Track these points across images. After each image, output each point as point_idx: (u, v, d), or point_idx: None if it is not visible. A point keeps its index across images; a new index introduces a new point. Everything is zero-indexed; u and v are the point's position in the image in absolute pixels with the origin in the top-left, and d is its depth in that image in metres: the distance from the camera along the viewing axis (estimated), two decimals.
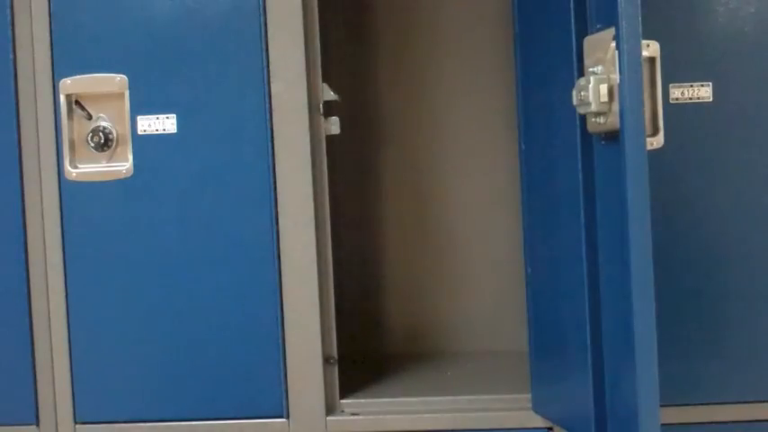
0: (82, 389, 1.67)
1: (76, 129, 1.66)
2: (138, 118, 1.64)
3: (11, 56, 1.65)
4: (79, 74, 1.64)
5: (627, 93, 1.16)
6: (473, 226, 2.26)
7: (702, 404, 1.62)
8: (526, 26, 1.67)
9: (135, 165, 1.65)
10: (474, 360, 2.12)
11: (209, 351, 1.65)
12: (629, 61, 1.15)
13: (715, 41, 1.59)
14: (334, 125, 1.73)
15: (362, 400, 1.73)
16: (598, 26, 1.28)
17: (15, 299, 1.67)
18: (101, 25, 1.64)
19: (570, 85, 1.33)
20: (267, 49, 1.62)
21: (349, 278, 2.18)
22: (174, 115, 1.64)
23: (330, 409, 1.69)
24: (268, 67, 1.62)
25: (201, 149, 1.64)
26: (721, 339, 1.60)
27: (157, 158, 1.64)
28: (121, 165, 1.65)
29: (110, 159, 1.66)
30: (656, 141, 1.28)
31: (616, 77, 1.19)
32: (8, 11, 1.64)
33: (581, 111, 1.31)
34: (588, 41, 1.31)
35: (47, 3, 1.64)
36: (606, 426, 1.37)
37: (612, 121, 1.23)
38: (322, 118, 1.69)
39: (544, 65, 1.57)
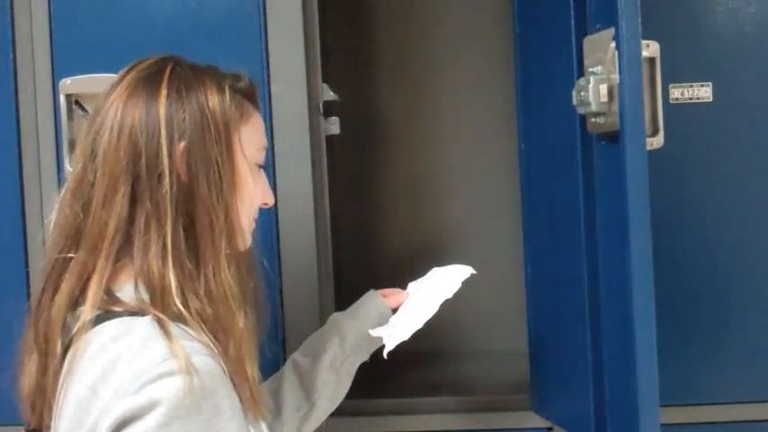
0: None
1: (76, 129, 1.66)
2: None
3: (11, 56, 1.65)
4: (79, 74, 1.63)
5: (627, 93, 1.15)
6: (473, 226, 2.26)
7: (702, 404, 1.62)
8: (526, 26, 1.67)
9: None
10: (474, 360, 2.12)
11: None
12: (629, 61, 1.15)
13: (715, 41, 1.59)
14: (334, 125, 1.73)
15: (362, 401, 1.73)
16: (598, 26, 1.28)
17: (16, 300, 1.66)
18: (101, 25, 1.63)
19: (570, 85, 1.33)
20: (267, 50, 1.62)
21: (349, 279, 2.17)
22: None
23: None
24: (268, 67, 1.62)
25: None
26: (721, 339, 1.60)
27: None
28: None
29: None
30: (656, 141, 1.28)
31: (616, 77, 1.19)
32: (8, 11, 1.64)
33: (581, 111, 1.31)
34: (588, 41, 1.31)
35: (47, 3, 1.64)
36: (606, 426, 1.37)
37: (612, 122, 1.23)
38: (322, 118, 1.69)
39: (544, 65, 1.57)
